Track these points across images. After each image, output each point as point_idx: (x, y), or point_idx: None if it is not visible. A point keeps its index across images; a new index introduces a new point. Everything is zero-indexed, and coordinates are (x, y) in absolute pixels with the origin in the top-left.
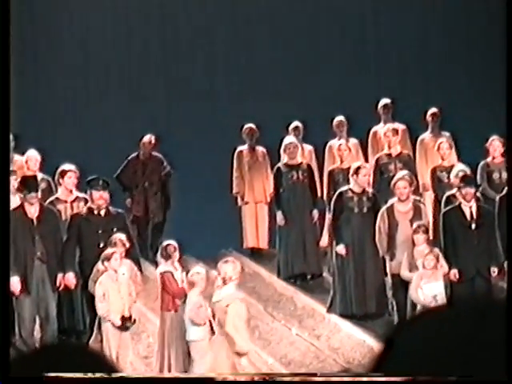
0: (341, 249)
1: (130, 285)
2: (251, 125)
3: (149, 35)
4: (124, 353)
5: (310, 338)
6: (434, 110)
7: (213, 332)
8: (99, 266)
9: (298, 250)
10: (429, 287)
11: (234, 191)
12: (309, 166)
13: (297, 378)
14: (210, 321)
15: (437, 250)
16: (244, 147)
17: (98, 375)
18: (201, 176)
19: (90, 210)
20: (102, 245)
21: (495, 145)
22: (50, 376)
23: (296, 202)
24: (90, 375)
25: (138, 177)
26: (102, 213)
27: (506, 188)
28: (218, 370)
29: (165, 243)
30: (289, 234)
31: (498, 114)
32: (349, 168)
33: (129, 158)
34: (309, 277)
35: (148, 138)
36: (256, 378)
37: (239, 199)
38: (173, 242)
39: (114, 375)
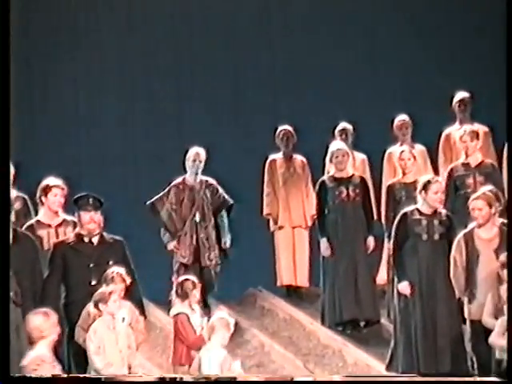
0: (404, 287)
1: (130, 334)
2: (287, 127)
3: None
4: None
5: None
6: None
7: None
8: (91, 309)
9: (349, 288)
10: None
11: (264, 212)
12: (362, 179)
13: None
14: None
15: None
16: (278, 156)
17: (98, 376)
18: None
19: (79, 236)
20: (94, 282)
21: None
22: (50, 376)
23: (346, 226)
24: (90, 375)
25: (185, 208)
26: (95, 240)
27: None
28: None
29: (181, 278)
30: (336, 268)
31: None
32: (414, 182)
33: (173, 182)
34: (362, 324)
35: (195, 152)
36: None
37: (272, 223)
38: (192, 278)
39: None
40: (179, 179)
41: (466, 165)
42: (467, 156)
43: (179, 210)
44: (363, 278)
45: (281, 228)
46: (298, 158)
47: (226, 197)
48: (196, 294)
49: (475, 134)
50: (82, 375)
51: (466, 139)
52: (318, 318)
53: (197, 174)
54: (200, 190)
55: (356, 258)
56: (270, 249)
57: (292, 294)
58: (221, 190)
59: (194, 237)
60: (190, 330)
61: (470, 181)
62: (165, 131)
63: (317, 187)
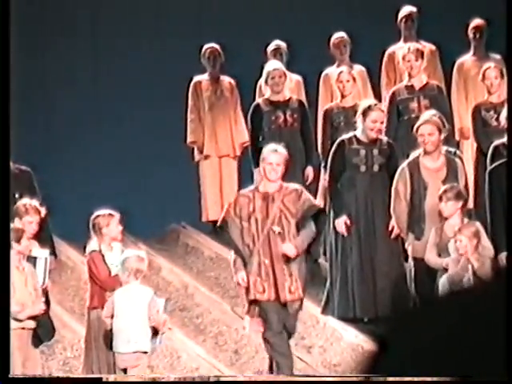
0: (340, 223)
1: (35, 275)
2: (214, 45)
3: None
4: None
5: (297, 349)
6: (477, 21)
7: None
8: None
9: None
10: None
11: (188, 140)
12: (301, 103)
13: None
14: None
15: (477, 224)
16: (203, 77)
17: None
18: (142, 119)
19: None
20: None
21: None
22: (50, 376)
23: None
24: (89, 376)
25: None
26: None
27: None
28: None
29: (96, 213)
30: None
31: None
32: (353, 106)
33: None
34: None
35: None
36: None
37: (196, 152)
38: (107, 211)
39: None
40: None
41: (409, 87)
42: (411, 77)
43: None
44: None
45: (206, 158)
46: (226, 80)
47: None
48: (113, 230)
49: (420, 53)
50: (82, 375)
51: (409, 58)
52: None
53: None
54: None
55: None
56: (195, 181)
57: (219, 230)
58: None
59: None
60: (102, 269)
61: (414, 105)
62: None
63: (250, 111)
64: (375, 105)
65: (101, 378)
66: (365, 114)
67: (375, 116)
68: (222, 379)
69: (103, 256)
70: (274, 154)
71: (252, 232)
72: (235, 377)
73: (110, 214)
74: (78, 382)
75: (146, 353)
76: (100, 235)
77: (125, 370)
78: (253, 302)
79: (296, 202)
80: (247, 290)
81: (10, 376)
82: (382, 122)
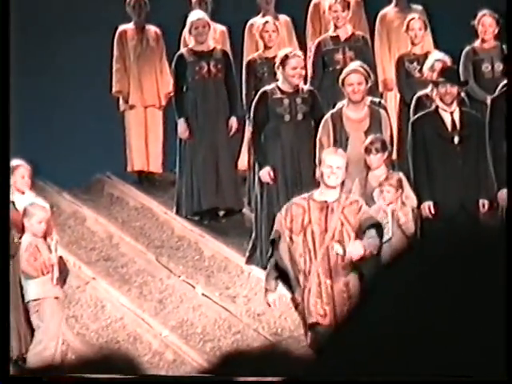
0: (265, 173)
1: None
2: None
3: None
4: None
5: (221, 299)
6: None
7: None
8: None
9: (208, 175)
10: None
11: (113, 90)
12: (225, 53)
13: None
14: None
15: (400, 174)
16: (128, 26)
17: (97, 376)
18: (65, 68)
19: None
20: None
21: (486, 22)
22: (50, 376)
23: (206, 105)
24: (90, 376)
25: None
26: None
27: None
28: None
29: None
30: (195, 153)
31: None
32: (276, 57)
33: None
34: (221, 213)
35: None
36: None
37: (121, 101)
38: (21, 163)
39: (113, 376)
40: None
41: (335, 38)
42: (337, 28)
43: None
44: (224, 163)
45: (132, 107)
46: (152, 29)
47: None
48: (18, 181)
49: (346, 4)
50: (82, 375)
51: (336, 9)
52: (172, 206)
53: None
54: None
55: (217, 141)
56: (120, 130)
57: (144, 180)
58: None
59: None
60: (15, 218)
61: (340, 56)
62: None
63: (174, 61)
64: (292, 52)
65: (101, 379)
66: (283, 62)
67: (294, 63)
68: (222, 379)
69: (14, 204)
70: (334, 155)
71: (308, 247)
72: (235, 377)
73: (17, 165)
74: (78, 382)
75: None
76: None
77: None
78: (311, 326)
79: (356, 214)
80: (304, 312)
81: (9, 376)
82: (301, 68)
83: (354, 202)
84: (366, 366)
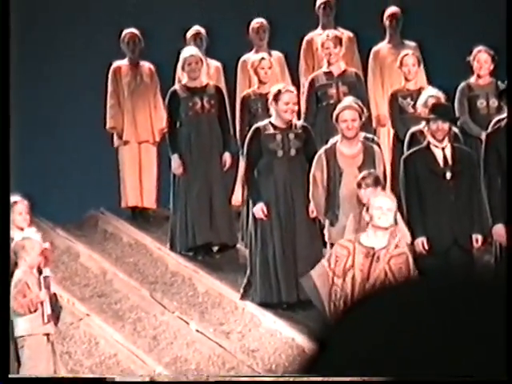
0: (258, 210)
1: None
2: (133, 30)
3: None
4: None
5: (216, 335)
6: (393, 9)
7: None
8: None
9: (202, 210)
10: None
11: (108, 126)
12: (218, 89)
13: None
14: (42, 307)
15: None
16: (123, 62)
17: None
18: (59, 104)
19: None
20: None
21: (482, 59)
22: (50, 376)
23: (200, 141)
24: (90, 376)
25: None
26: None
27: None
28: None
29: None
30: (189, 188)
31: (486, 13)
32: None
33: None
34: (215, 249)
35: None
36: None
37: (116, 137)
38: (19, 199)
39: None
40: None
41: (328, 74)
42: (330, 64)
43: None
44: (218, 198)
45: (126, 143)
46: (146, 65)
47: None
48: (16, 218)
49: (338, 40)
50: (82, 376)
51: (328, 45)
52: (166, 242)
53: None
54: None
55: (211, 177)
56: (114, 166)
57: (138, 216)
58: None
59: None
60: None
61: (333, 91)
62: None
63: (167, 98)
64: (284, 88)
65: (104, 378)
66: (276, 98)
67: (287, 98)
68: (223, 379)
69: (13, 240)
70: (384, 197)
71: (345, 291)
72: (235, 377)
73: (14, 202)
74: (79, 382)
75: None
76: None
77: None
78: None
79: (402, 265)
80: None
81: (9, 376)
82: (294, 103)
83: (403, 254)
84: (365, 366)
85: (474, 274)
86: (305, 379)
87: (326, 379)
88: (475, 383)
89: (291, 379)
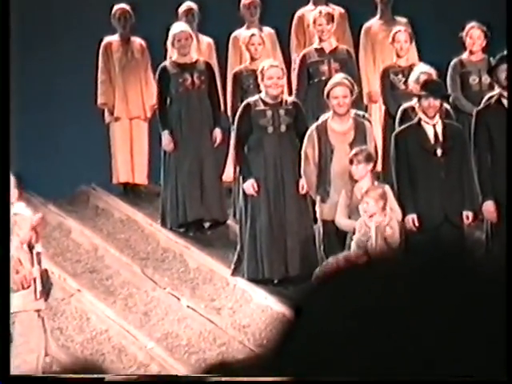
0: (249, 186)
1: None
2: (124, 6)
3: None
4: None
5: (207, 311)
6: None
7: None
8: None
9: (193, 186)
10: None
11: (99, 102)
12: (208, 65)
13: None
14: (35, 283)
15: (386, 186)
16: (114, 38)
17: (98, 376)
18: (51, 80)
19: None
20: None
21: (474, 35)
22: (50, 376)
23: (190, 117)
24: (89, 376)
25: None
26: None
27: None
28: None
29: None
30: (179, 165)
31: None
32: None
33: None
34: (206, 225)
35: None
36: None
37: (107, 113)
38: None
39: (114, 377)
40: None
41: (319, 50)
42: (321, 41)
43: None
44: (209, 175)
45: (117, 119)
46: (137, 41)
47: None
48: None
49: (331, 17)
50: (82, 375)
51: (321, 22)
52: (157, 218)
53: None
54: None
55: (202, 153)
56: (105, 142)
57: (129, 192)
58: None
59: None
60: None
61: (325, 67)
62: None
63: (157, 74)
64: (270, 64)
65: (103, 378)
66: (262, 74)
67: (271, 73)
68: (222, 379)
69: None
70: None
71: None
72: (235, 377)
73: None
74: (79, 382)
75: None
76: None
77: None
78: None
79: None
80: None
81: (9, 376)
82: (278, 78)
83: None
84: (365, 366)
85: (466, 257)
86: (305, 379)
87: (327, 379)
88: (475, 383)
89: (291, 379)
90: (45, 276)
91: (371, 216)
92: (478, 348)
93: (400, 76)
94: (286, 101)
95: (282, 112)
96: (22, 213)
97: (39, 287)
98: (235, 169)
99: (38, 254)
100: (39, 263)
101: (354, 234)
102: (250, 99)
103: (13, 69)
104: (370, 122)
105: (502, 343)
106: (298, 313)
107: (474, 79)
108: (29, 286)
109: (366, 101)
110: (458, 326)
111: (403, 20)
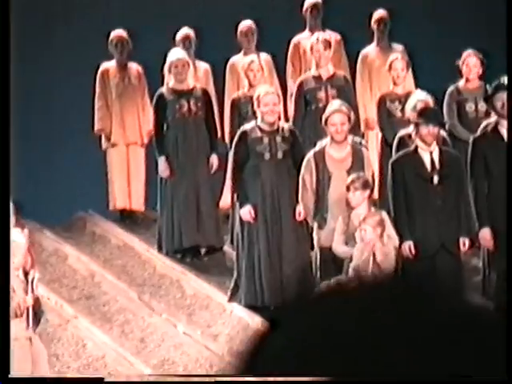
0: (246, 212)
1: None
2: (121, 32)
3: None
4: None
5: (203, 338)
6: (381, 13)
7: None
8: None
9: (190, 213)
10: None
11: (96, 128)
12: (205, 91)
13: None
14: (27, 311)
15: (383, 213)
16: (111, 64)
17: (98, 376)
18: (47, 106)
19: None
20: None
21: (470, 63)
22: (50, 376)
23: (187, 143)
24: (89, 376)
25: None
26: None
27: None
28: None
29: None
30: (176, 191)
31: (477, 15)
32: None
33: None
34: (203, 251)
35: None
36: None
37: (104, 140)
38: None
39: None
40: None
41: (317, 77)
42: (318, 67)
43: None
44: (205, 201)
45: (114, 145)
46: (134, 67)
47: None
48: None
49: (328, 43)
50: (82, 376)
51: (318, 48)
52: (154, 244)
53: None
54: None
55: (198, 179)
56: (102, 168)
57: (126, 218)
58: None
59: None
60: None
61: (322, 94)
62: None
63: (154, 100)
64: (266, 90)
65: (102, 378)
66: (258, 100)
67: (266, 99)
68: (223, 379)
69: None
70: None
71: None
72: (235, 377)
73: None
74: (79, 382)
75: None
76: None
77: None
78: None
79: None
80: None
81: (10, 376)
82: (274, 104)
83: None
84: (364, 366)
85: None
86: (305, 379)
87: (326, 379)
88: (475, 383)
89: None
90: (38, 304)
91: (368, 243)
92: (478, 348)
93: (397, 103)
94: (283, 128)
95: (278, 139)
96: (16, 240)
97: (31, 316)
98: (232, 195)
99: (33, 280)
100: (32, 291)
101: (350, 260)
102: (247, 126)
103: (12, 96)
104: (367, 148)
105: (501, 343)
106: (272, 326)
107: (470, 106)
108: (21, 315)
109: (362, 128)
110: (458, 326)
111: (400, 47)
